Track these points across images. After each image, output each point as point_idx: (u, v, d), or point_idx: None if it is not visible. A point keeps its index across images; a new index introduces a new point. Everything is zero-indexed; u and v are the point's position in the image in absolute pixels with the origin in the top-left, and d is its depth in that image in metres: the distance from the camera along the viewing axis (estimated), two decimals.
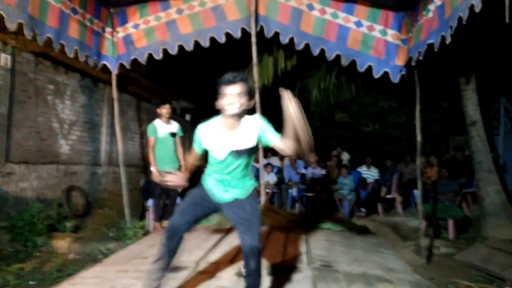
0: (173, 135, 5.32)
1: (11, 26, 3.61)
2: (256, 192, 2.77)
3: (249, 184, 2.70)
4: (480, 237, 5.77)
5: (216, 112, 2.56)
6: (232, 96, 2.37)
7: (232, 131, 2.50)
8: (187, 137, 8.67)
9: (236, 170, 2.59)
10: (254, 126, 2.48)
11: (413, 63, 4.37)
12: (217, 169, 2.63)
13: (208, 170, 2.71)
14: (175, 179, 2.71)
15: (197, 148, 2.68)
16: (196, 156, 2.75)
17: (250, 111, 2.57)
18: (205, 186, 2.72)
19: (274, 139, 2.40)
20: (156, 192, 5.25)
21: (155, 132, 5.20)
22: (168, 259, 2.63)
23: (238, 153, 2.52)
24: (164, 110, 5.26)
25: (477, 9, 2.85)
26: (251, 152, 2.57)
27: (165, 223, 5.30)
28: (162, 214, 5.34)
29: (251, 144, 2.50)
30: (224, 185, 2.64)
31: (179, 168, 5.35)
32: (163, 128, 5.25)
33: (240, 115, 2.46)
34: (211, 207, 2.71)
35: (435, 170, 7.08)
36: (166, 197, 5.45)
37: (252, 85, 2.52)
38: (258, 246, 2.47)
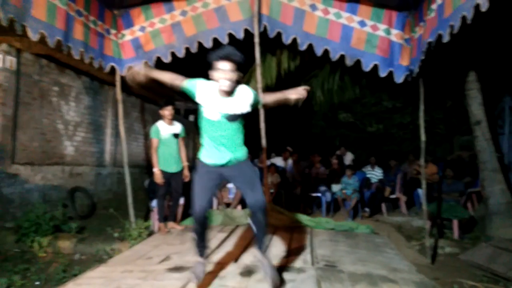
0: (176, 136, 5.33)
1: (19, 28, 3.64)
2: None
3: (244, 150, 2.97)
4: (485, 236, 5.74)
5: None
6: (225, 72, 2.66)
7: (227, 97, 2.77)
8: (191, 137, 8.69)
9: (231, 133, 2.83)
10: (247, 95, 2.83)
11: (418, 63, 4.33)
12: (211, 132, 2.83)
13: (203, 139, 2.89)
14: None
15: (186, 84, 2.82)
16: (177, 83, 2.86)
17: None
18: (203, 159, 2.91)
19: (263, 97, 3.02)
20: (160, 193, 5.27)
21: (158, 134, 5.22)
22: (205, 240, 3.01)
23: (232, 117, 2.79)
24: (167, 111, 5.27)
25: (483, 9, 2.81)
26: (242, 117, 2.87)
27: (170, 224, 5.31)
28: (166, 215, 5.36)
29: (245, 109, 2.83)
30: (220, 150, 2.84)
31: (183, 169, 5.37)
32: (166, 129, 5.26)
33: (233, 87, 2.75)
34: (216, 178, 2.93)
35: (430, 169, 7.06)
36: (169, 198, 5.47)
37: (242, 58, 2.75)
38: (263, 199, 2.83)
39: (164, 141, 5.23)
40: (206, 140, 2.89)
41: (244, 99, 2.83)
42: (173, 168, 5.23)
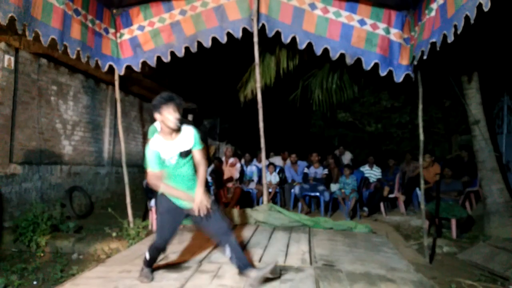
0: None
1: (20, 28, 3.63)
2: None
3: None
4: (483, 236, 5.75)
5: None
6: (175, 113, 2.90)
7: (175, 138, 2.99)
8: None
9: (188, 168, 3.04)
10: (190, 132, 3.04)
11: (415, 62, 4.36)
12: (172, 174, 3.00)
13: (165, 182, 3.02)
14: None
15: (158, 166, 2.96)
16: (161, 175, 3.00)
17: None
18: (169, 197, 3.05)
19: (196, 152, 3.05)
20: None
21: (155, 134, 5.17)
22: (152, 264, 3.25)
23: (185, 154, 2.99)
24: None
25: (485, 8, 2.80)
26: (190, 152, 3.05)
27: None
28: None
29: (190, 145, 3.02)
30: (183, 187, 3.02)
31: None
32: None
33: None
34: (182, 214, 3.09)
35: (434, 169, 7.08)
36: None
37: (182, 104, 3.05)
38: (226, 223, 3.09)
39: None
40: (168, 183, 3.04)
41: (188, 135, 3.05)
42: None
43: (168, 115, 2.91)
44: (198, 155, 3.06)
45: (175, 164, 2.98)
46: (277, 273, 3.10)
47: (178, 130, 3.00)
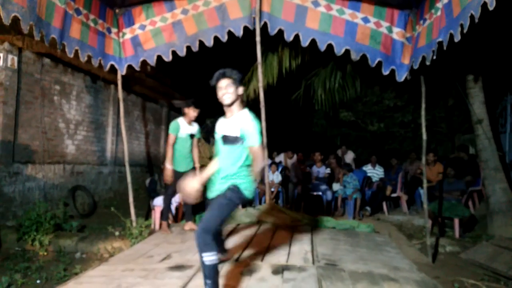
0: (192, 136, 5.29)
1: (25, 28, 3.64)
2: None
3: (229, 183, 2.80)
4: (486, 235, 5.74)
5: (220, 111, 2.91)
6: (221, 89, 2.78)
7: (228, 118, 2.87)
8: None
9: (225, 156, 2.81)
10: (241, 121, 2.76)
11: (427, 63, 4.25)
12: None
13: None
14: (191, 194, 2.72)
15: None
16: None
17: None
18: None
19: (251, 145, 2.71)
20: (169, 192, 5.24)
21: (177, 130, 5.13)
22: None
23: (225, 139, 2.80)
24: (193, 112, 5.14)
25: (491, 7, 2.77)
26: (237, 142, 2.75)
27: (188, 224, 5.26)
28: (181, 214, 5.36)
29: (235, 133, 2.75)
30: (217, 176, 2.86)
31: (193, 169, 5.29)
32: (185, 128, 5.19)
33: (234, 104, 2.82)
34: None
35: (437, 168, 7.07)
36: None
37: (237, 75, 2.83)
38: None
39: (180, 140, 5.17)
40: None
41: (237, 123, 2.80)
42: (183, 168, 5.17)
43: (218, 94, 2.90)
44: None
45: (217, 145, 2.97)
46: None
47: (233, 106, 2.87)
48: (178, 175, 5.10)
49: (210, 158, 9.30)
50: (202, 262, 2.56)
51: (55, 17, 4.12)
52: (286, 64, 7.54)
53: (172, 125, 5.14)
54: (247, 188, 2.80)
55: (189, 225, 5.22)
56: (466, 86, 6.21)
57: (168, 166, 5.06)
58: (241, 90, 2.84)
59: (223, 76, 2.80)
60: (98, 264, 3.81)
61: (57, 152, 6.85)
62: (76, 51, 4.60)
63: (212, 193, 2.89)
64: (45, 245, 4.99)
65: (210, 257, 2.55)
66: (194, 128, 5.30)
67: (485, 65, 6.31)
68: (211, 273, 2.56)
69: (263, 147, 2.83)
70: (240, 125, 2.73)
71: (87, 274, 3.45)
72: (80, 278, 3.31)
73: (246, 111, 2.84)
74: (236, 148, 2.75)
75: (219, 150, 2.88)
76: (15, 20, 3.54)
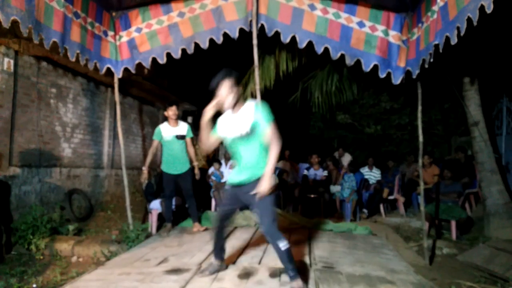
0: (181, 137, 5.28)
1: (24, 31, 3.64)
2: None
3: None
4: (483, 237, 5.75)
5: (217, 114, 3.02)
6: (226, 89, 2.92)
7: (235, 113, 3.01)
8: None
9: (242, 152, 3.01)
10: (249, 112, 2.96)
11: (426, 66, 4.27)
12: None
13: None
14: None
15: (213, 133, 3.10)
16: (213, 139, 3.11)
17: None
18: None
19: (264, 128, 2.88)
20: (166, 194, 5.25)
21: (159, 135, 5.22)
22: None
23: (240, 138, 2.97)
24: (171, 112, 5.24)
25: (488, 10, 2.78)
26: (251, 134, 2.93)
27: (196, 226, 5.26)
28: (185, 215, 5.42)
29: (245, 128, 2.93)
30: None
31: (191, 169, 5.33)
32: (169, 131, 5.23)
33: (237, 102, 2.99)
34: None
35: (432, 170, 7.08)
36: (183, 201, 5.49)
37: (236, 74, 3.01)
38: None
39: (167, 143, 5.21)
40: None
41: (247, 116, 2.98)
42: (177, 170, 5.19)
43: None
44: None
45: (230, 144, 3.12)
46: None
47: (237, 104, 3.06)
48: (171, 178, 5.15)
49: (207, 158, 9.31)
50: (279, 250, 2.89)
51: (54, 21, 4.12)
52: (283, 67, 7.54)
53: (155, 131, 5.29)
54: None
55: (196, 227, 5.22)
56: (462, 89, 6.23)
57: (144, 169, 5.32)
58: (240, 88, 3.05)
59: (226, 77, 2.94)
60: (94, 268, 3.79)
61: (54, 156, 6.82)
62: (77, 54, 4.61)
63: (237, 180, 3.06)
64: (41, 249, 4.97)
65: (283, 243, 2.89)
66: (182, 128, 5.32)
67: (481, 67, 6.33)
68: (290, 256, 2.92)
69: (275, 125, 2.90)
70: (250, 116, 2.93)
71: (84, 278, 3.43)
72: (76, 282, 3.29)
73: (249, 102, 3.04)
74: (253, 141, 2.94)
75: (235, 149, 3.03)
76: (14, 24, 3.54)
